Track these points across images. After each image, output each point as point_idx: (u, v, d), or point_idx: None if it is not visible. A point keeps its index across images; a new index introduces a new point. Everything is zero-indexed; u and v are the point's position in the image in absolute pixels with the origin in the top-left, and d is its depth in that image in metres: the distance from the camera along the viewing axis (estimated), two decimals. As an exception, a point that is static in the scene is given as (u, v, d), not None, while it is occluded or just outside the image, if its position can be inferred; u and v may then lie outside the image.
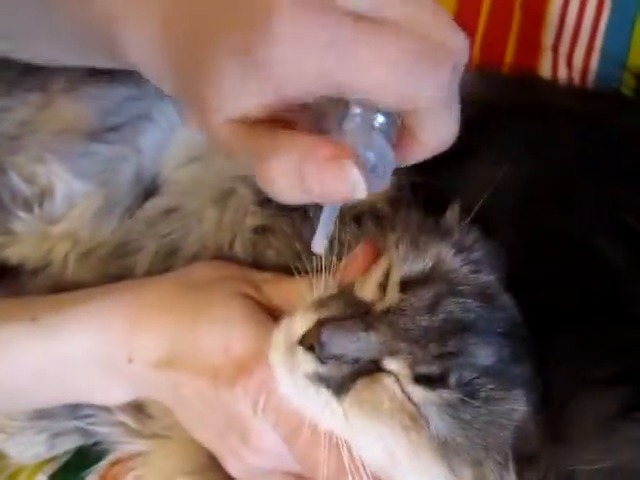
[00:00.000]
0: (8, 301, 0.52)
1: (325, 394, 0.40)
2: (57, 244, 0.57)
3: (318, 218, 0.36)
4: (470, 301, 0.41)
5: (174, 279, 0.52)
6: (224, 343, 0.46)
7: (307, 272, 0.45)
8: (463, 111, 0.36)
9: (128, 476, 0.55)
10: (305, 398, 0.41)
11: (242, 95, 0.33)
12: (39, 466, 0.58)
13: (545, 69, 0.67)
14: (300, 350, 0.40)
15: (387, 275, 0.42)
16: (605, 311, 0.42)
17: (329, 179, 0.32)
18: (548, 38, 0.68)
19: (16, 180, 0.57)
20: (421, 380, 0.39)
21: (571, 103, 0.55)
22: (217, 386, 0.45)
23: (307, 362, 0.39)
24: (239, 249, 0.54)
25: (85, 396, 0.51)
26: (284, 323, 0.42)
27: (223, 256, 0.54)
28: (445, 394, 0.39)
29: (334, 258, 0.44)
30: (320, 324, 0.39)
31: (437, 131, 0.35)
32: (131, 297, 0.50)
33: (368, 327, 0.39)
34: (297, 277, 0.46)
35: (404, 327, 0.39)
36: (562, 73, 0.67)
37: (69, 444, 0.57)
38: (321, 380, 0.39)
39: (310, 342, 0.39)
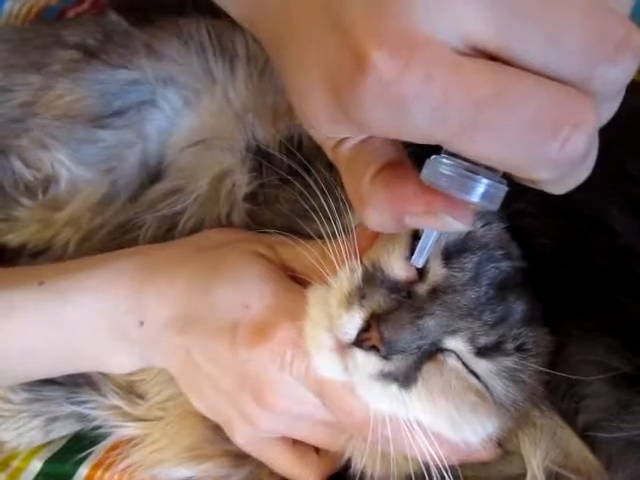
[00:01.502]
0: (14, 269, 0.51)
1: (394, 389, 0.39)
2: (61, 230, 0.56)
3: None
4: (502, 263, 0.41)
5: (184, 242, 0.51)
6: (243, 300, 0.45)
7: (313, 235, 0.44)
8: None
9: (121, 464, 0.53)
10: (370, 395, 0.39)
11: (332, 130, 0.32)
12: (34, 451, 0.57)
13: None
14: (358, 352, 0.38)
15: (412, 248, 0.41)
16: (614, 284, 0.42)
17: (426, 225, 0.32)
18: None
19: (18, 166, 0.57)
20: (482, 352, 0.39)
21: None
22: (235, 345, 0.44)
23: (370, 363, 0.38)
24: (236, 219, 0.53)
25: (94, 364, 0.50)
26: (317, 314, 0.41)
27: (221, 227, 0.53)
28: (505, 361, 0.39)
29: (345, 221, 0.43)
30: (376, 321, 0.38)
31: (564, 186, 0.30)
32: (140, 260, 0.49)
33: (424, 313, 0.38)
34: (310, 241, 0.45)
35: (457, 304, 0.39)
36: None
37: (65, 430, 0.56)
38: (387, 376, 0.38)
39: (372, 343, 0.38)
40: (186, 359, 0.47)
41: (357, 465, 0.45)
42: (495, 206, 0.30)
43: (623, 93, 0.28)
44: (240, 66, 0.55)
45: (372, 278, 0.40)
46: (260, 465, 0.49)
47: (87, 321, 0.47)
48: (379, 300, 0.39)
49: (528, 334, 0.40)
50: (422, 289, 0.40)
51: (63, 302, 0.47)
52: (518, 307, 0.40)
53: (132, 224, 0.55)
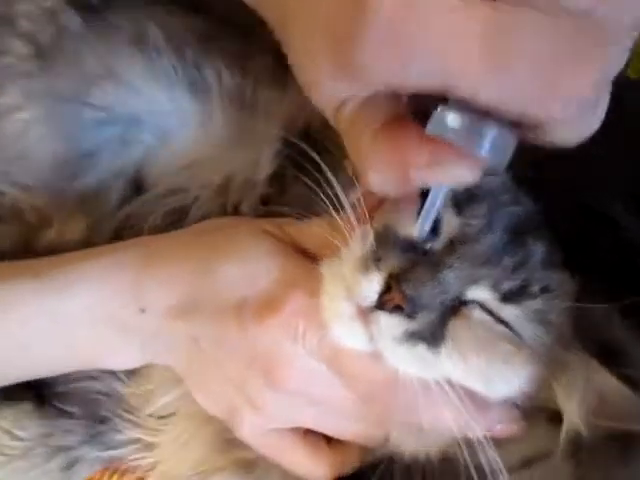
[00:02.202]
0: (10, 263, 0.47)
1: (422, 350, 0.37)
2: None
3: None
4: (512, 207, 0.40)
5: (186, 230, 0.49)
6: (250, 276, 0.43)
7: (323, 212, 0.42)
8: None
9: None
10: (398, 359, 0.38)
11: (334, 88, 0.31)
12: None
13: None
14: (382, 314, 0.37)
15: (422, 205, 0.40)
16: (620, 281, 0.41)
17: (433, 179, 0.31)
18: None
19: None
20: (507, 297, 0.38)
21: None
22: (243, 322, 0.42)
23: (394, 324, 0.37)
24: (245, 208, 0.50)
25: (92, 360, 0.47)
26: (334, 286, 0.39)
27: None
28: (532, 304, 0.38)
29: (352, 194, 0.41)
30: (395, 281, 0.36)
31: (575, 131, 0.29)
32: (138, 250, 0.46)
33: (444, 267, 0.37)
34: (317, 218, 0.43)
35: (475, 253, 0.38)
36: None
37: (87, 472, 0.51)
38: (413, 336, 0.37)
39: (395, 303, 0.36)
40: (191, 347, 0.44)
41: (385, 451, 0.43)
42: (504, 158, 0.30)
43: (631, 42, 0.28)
44: (215, 101, 0.50)
45: (385, 240, 0.39)
46: (268, 469, 0.47)
47: (85, 314, 0.44)
48: (395, 261, 0.37)
49: (551, 276, 0.40)
50: (437, 244, 0.39)
51: (59, 294, 0.44)
52: (538, 249, 0.40)
53: (135, 219, 0.51)
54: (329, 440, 0.46)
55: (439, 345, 0.37)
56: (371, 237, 0.39)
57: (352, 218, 0.40)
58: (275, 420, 0.44)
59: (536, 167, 0.42)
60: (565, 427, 0.39)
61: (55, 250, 0.49)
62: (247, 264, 0.43)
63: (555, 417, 0.40)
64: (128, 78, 0.49)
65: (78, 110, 0.49)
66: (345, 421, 0.44)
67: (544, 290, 0.39)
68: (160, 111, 0.49)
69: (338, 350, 0.40)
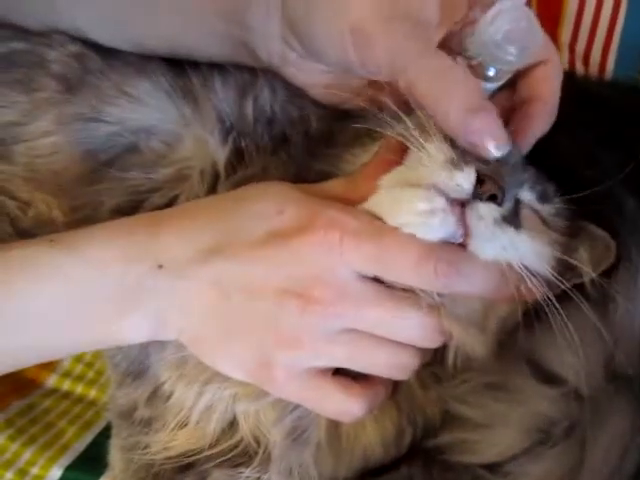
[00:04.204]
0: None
1: (510, 232, 0.43)
2: None
3: None
4: None
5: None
6: (276, 208, 0.44)
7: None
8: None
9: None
10: (492, 244, 0.42)
11: None
12: (53, 458, 0.57)
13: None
14: (480, 203, 0.41)
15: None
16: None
17: None
18: (565, 36, 0.69)
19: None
20: (542, 198, 0.47)
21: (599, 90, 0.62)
22: (274, 248, 0.43)
23: (491, 210, 0.42)
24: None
25: (105, 330, 0.45)
26: (410, 187, 0.42)
27: None
28: (557, 202, 0.47)
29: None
30: (489, 174, 0.41)
31: None
32: (153, 212, 0.49)
33: (506, 169, 0.43)
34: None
35: (512, 163, 0.44)
36: (579, 70, 0.69)
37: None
38: (505, 220, 0.42)
39: (491, 193, 0.41)
40: (211, 299, 0.44)
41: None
42: None
43: None
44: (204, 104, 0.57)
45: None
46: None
47: (98, 275, 0.44)
48: (476, 161, 0.42)
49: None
50: None
51: (73, 256, 0.44)
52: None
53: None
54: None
55: (520, 229, 0.43)
56: (447, 144, 0.43)
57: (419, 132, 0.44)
58: (310, 354, 0.44)
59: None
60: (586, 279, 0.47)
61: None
62: (271, 199, 0.45)
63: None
64: (139, 95, 0.56)
65: (96, 127, 0.55)
66: (380, 348, 0.45)
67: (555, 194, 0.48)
68: (167, 118, 0.56)
69: (381, 248, 0.42)
